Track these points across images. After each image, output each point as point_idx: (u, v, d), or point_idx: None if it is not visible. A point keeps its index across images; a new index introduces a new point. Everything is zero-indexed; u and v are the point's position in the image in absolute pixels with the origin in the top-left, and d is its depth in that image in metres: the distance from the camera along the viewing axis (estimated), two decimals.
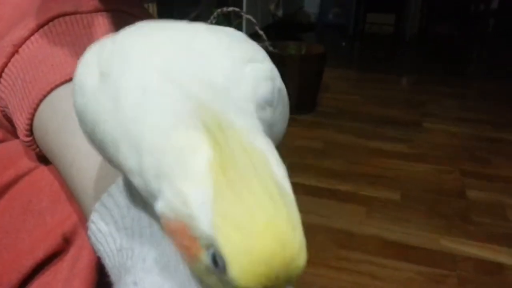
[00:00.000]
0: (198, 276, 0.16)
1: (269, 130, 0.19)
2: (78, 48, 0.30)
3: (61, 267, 0.29)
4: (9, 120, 0.32)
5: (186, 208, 0.14)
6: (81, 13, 0.33)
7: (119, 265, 0.21)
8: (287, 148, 1.70)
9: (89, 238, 0.24)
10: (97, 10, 0.34)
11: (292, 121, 1.59)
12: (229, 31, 0.22)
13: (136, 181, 0.17)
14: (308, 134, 1.83)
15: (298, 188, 1.43)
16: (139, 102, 0.16)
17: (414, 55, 3.52)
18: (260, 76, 0.20)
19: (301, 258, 0.14)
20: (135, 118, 0.16)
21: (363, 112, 2.11)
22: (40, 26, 0.32)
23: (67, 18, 0.32)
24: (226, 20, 2.05)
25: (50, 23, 0.32)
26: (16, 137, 0.34)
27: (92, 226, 0.24)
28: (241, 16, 1.96)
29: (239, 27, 2.28)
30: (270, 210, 0.14)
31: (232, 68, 0.19)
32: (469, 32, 3.94)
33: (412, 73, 2.94)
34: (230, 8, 1.82)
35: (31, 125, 0.29)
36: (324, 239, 1.19)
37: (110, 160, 0.20)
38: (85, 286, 0.27)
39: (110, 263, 0.22)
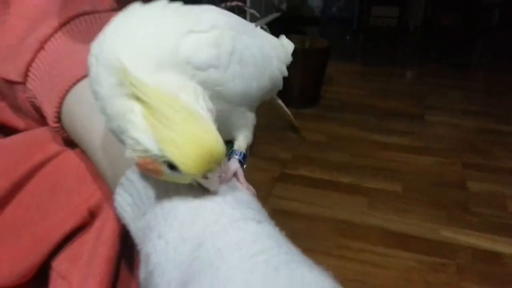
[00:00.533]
0: (167, 180, 0.23)
1: (218, 86, 0.25)
2: None
3: (87, 238, 0.32)
4: (36, 109, 0.36)
5: (141, 147, 0.21)
6: (98, 12, 0.36)
7: (144, 227, 0.24)
8: (290, 141, 1.72)
9: (115, 208, 0.28)
10: (112, 9, 0.37)
11: (296, 114, 1.62)
12: (196, 8, 0.27)
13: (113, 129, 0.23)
14: (312, 127, 1.86)
15: (302, 180, 1.46)
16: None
17: (418, 48, 3.53)
18: (200, 44, 0.25)
19: (219, 148, 0.21)
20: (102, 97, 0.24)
21: (366, 105, 2.14)
22: (62, 25, 0.35)
23: (86, 17, 0.36)
24: None
25: (72, 22, 0.35)
26: (41, 125, 0.37)
27: (118, 198, 0.27)
28: (245, 11, 1.98)
29: None
30: (188, 126, 0.21)
31: (172, 40, 0.24)
32: (474, 24, 3.93)
33: (415, 66, 2.95)
34: (234, 3, 1.84)
35: (59, 112, 0.32)
36: (327, 229, 1.23)
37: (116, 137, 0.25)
38: (109, 253, 0.31)
39: (135, 228, 0.25)
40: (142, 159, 0.22)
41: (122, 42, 0.24)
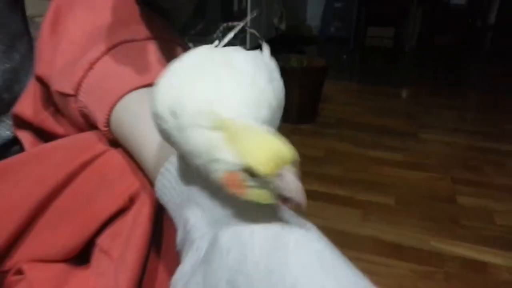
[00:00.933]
0: (251, 198, 0.26)
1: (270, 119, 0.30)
2: (136, 66, 0.41)
3: (127, 219, 0.39)
4: (84, 117, 0.43)
5: (225, 163, 0.26)
6: (137, 40, 0.44)
7: (181, 201, 0.31)
8: None
9: (155, 191, 0.34)
10: (148, 38, 0.45)
11: (294, 130, 1.71)
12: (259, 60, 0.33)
13: (196, 162, 0.28)
14: (309, 143, 1.93)
15: None
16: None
17: (413, 67, 3.63)
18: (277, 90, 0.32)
19: (286, 149, 0.25)
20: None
21: (362, 122, 2.21)
22: (108, 50, 0.42)
23: (127, 44, 0.43)
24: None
25: (116, 48, 0.42)
26: (80, 131, 0.45)
27: (158, 184, 0.34)
28: (245, 30, 2.07)
29: (243, 41, 2.39)
30: (260, 139, 0.25)
31: (260, 86, 0.30)
32: (468, 45, 4.06)
33: (410, 85, 3.05)
34: (235, 23, 1.93)
35: (108, 119, 0.40)
36: None
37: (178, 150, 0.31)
38: (144, 231, 0.37)
39: (173, 205, 0.32)
40: (227, 174, 0.25)
41: (206, 87, 0.28)
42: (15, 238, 0.40)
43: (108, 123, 0.40)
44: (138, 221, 0.38)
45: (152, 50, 0.44)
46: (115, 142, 0.41)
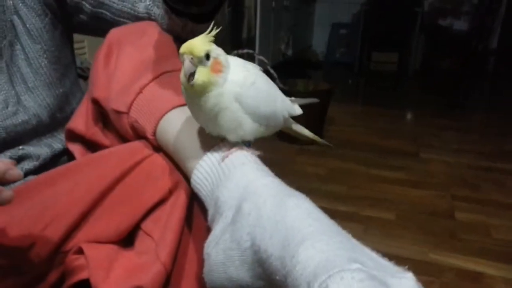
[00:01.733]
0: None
1: (240, 97, 0.43)
2: (176, 90, 0.52)
3: (166, 207, 0.49)
4: (133, 130, 0.54)
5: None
6: (176, 70, 0.54)
7: (211, 188, 0.43)
8: (296, 174, 1.88)
9: (191, 183, 0.46)
10: None
11: (300, 150, 1.81)
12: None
13: None
14: (314, 162, 2.03)
15: None
16: None
17: (416, 91, 3.73)
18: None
19: (191, 47, 0.39)
20: None
21: (366, 143, 2.31)
22: (154, 78, 0.54)
23: (169, 73, 0.55)
24: None
25: (160, 76, 0.54)
26: (122, 142, 0.55)
27: (194, 176, 0.46)
28: (254, 57, 2.19)
29: None
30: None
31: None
32: (470, 69, 4.16)
33: (413, 107, 3.15)
34: (245, 50, 2.05)
35: (155, 130, 0.51)
36: None
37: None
38: (180, 216, 0.47)
39: (205, 192, 0.43)
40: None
41: None
42: (76, 224, 0.50)
43: (155, 133, 0.51)
44: (175, 209, 0.48)
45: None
46: (158, 148, 0.53)
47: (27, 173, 0.60)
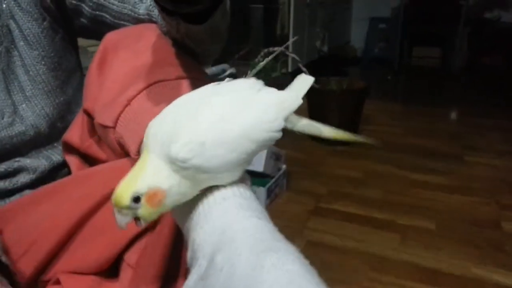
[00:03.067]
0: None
1: (199, 169, 0.35)
2: (167, 103, 0.46)
3: (151, 238, 0.44)
4: (120, 146, 0.49)
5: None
6: (169, 80, 0.49)
7: (190, 224, 0.37)
8: (328, 177, 1.80)
9: (171, 214, 0.40)
10: (179, 78, 0.50)
11: (332, 152, 1.71)
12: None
13: None
14: (347, 164, 1.93)
15: (336, 214, 1.53)
16: None
17: (460, 88, 3.53)
18: (178, 148, 0.36)
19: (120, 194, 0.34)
20: None
21: (404, 144, 2.18)
22: (144, 88, 0.48)
23: (160, 83, 0.49)
24: (273, 58, 2.22)
25: (151, 87, 0.48)
26: (119, 157, 0.50)
27: (174, 212, 0.39)
28: (287, 55, 2.12)
29: (284, 64, 2.45)
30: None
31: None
32: None
33: (457, 106, 2.97)
34: (276, 48, 1.99)
35: (139, 148, 0.45)
36: (358, 262, 1.28)
37: None
38: (165, 249, 0.42)
39: (185, 228, 0.38)
40: None
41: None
42: (55, 253, 0.45)
43: (139, 152, 0.45)
44: (160, 241, 0.42)
45: (182, 88, 0.49)
46: None
47: (23, 187, 0.57)
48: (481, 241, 1.36)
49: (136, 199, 0.34)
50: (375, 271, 1.24)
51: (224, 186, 0.38)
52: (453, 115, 2.83)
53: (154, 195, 0.34)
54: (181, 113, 0.37)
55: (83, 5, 0.62)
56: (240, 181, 0.39)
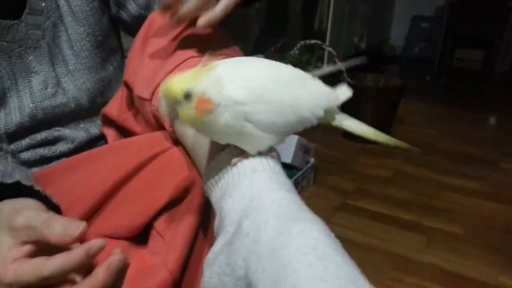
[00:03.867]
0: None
1: (245, 116, 0.37)
2: None
3: (180, 207, 0.46)
4: (155, 119, 0.51)
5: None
6: (201, 56, 0.50)
7: (219, 193, 0.38)
8: (356, 174, 1.79)
9: (202, 185, 0.41)
10: (212, 54, 0.52)
11: (362, 149, 1.70)
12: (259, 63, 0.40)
13: None
14: (377, 163, 1.91)
15: (362, 212, 1.52)
16: None
17: (501, 94, 3.40)
18: (237, 88, 0.37)
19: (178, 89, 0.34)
20: None
21: (438, 147, 2.13)
22: (181, 63, 0.50)
23: (198, 58, 0.51)
24: (308, 52, 2.21)
25: (187, 61, 0.51)
26: (153, 130, 0.53)
27: (205, 178, 0.41)
28: (323, 48, 2.11)
29: (321, 58, 2.42)
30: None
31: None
32: None
33: (498, 112, 2.87)
34: (313, 41, 1.98)
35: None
36: (382, 261, 1.27)
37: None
38: (194, 219, 0.44)
39: (215, 198, 0.39)
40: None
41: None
42: (89, 217, 0.48)
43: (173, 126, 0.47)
44: (189, 211, 0.44)
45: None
46: (178, 141, 0.49)
47: (61, 155, 0.60)
48: (511, 250, 1.32)
49: (188, 97, 0.34)
50: (399, 271, 1.23)
51: (254, 157, 0.39)
52: (492, 121, 2.74)
53: (205, 102, 0.35)
54: (241, 66, 0.38)
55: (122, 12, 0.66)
56: (270, 154, 0.40)
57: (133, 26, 0.68)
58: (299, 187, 1.60)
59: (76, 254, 0.34)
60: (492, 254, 1.30)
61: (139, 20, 0.63)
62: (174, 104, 0.35)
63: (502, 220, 1.49)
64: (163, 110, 0.35)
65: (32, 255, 0.35)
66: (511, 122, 2.59)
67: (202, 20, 0.50)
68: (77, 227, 0.35)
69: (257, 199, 0.34)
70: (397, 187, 1.70)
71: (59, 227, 0.35)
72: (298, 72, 0.41)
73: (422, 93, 3.20)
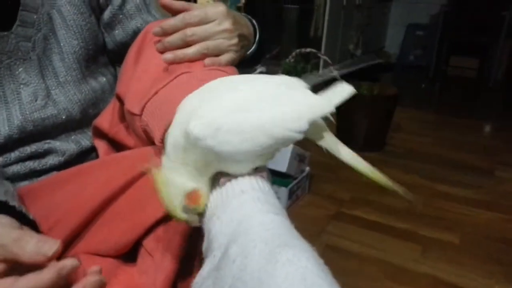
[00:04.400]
0: None
1: (211, 150, 0.36)
2: (190, 92, 0.47)
3: (171, 225, 0.45)
4: (145, 133, 0.50)
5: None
6: (191, 71, 0.50)
7: (210, 215, 0.37)
8: (351, 183, 1.78)
9: None
10: (208, 70, 0.51)
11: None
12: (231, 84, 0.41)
13: None
14: None
15: (357, 221, 1.51)
16: None
17: (496, 102, 3.42)
18: (195, 125, 0.36)
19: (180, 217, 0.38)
20: None
21: (433, 154, 2.13)
22: (172, 80, 0.50)
23: (189, 74, 0.50)
24: (304, 60, 2.21)
25: (178, 77, 0.50)
26: (145, 144, 0.52)
27: None
28: (318, 56, 2.11)
29: (316, 66, 2.43)
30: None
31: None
32: None
33: (492, 120, 2.88)
34: (308, 49, 1.98)
35: (163, 136, 0.45)
36: (377, 271, 1.26)
37: None
38: (183, 238, 0.43)
39: (204, 218, 0.38)
40: None
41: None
42: (77, 233, 0.47)
43: (163, 140, 0.46)
44: (179, 229, 0.43)
45: (210, 79, 0.50)
46: None
47: (51, 168, 0.59)
48: (507, 260, 1.32)
49: (185, 209, 0.37)
50: (393, 281, 1.22)
51: (243, 177, 0.38)
52: (487, 129, 2.74)
53: (192, 198, 0.37)
54: (209, 94, 0.38)
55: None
56: (259, 173, 0.39)
57: (116, 52, 0.68)
58: (294, 196, 1.59)
59: (47, 275, 0.33)
60: (488, 264, 1.30)
61: (124, 47, 0.63)
62: (191, 213, 0.38)
63: (498, 229, 1.48)
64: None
65: (2, 274, 0.34)
66: (506, 130, 2.59)
67: (208, 62, 0.54)
68: (50, 246, 0.34)
69: (246, 222, 0.33)
70: (391, 196, 1.69)
71: (32, 246, 0.34)
72: (272, 85, 0.39)
73: (417, 101, 3.21)
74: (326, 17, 2.79)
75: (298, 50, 1.99)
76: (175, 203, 0.37)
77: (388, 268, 1.27)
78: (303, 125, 0.38)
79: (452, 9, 3.75)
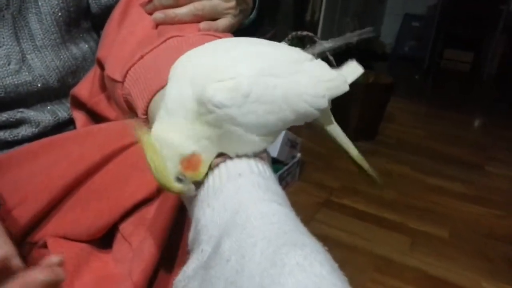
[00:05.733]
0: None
1: (231, 120, 0.30)
2: (178, 57, 0.42)
3: (151, 210, 0.40)
4: (127, 103, 0.45)
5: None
6: (182, 36, 0.45)
7: (199, 201, 0.32)
8: (342, 171, 1.75)
9: None
10: (202, 34, 0.46)
11: None
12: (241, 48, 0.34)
13: None
14: None
15: (346, 210, 1.48)
16: None
17: (489, 97, 3.40)
18: (217, 89, 0.30)
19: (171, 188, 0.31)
20: None
21: (424, 147, 2.11)
22: (160, 44, 0.44)
23: (180, 38, 0.45)
24: (300, 43, 2.16)
25: (168, 40, 0.44)
26: (127, 116, 0.46)
27: None
28: (315, 41, 2.05)
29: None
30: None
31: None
32: None
33: (484, 114, 2.87)
34: (304, 33, 1.92)
35: (147, 107, 0.40)
36: (364, 262, 1.24)
37: None
38: (165, 224, 0.38)
39: (191, 205, 0.33)
40: None
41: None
42: (46, 212, 0.42)
43: (147, 112, 0.41)
44: (161, 214, 0.38)
45: (195, 42, 0.45)
46: None
47: (24, 140, 0.53)
48: (495, 255, 1.30)
49: (179, 179, 0.30)
50: (380, 273, 1.20)
51: (239, 158, 0.32)
52: (479, 123, 2.73)
53: (190, 163, 0.30)
54: (225, 53, 0.32)
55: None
56: (259, 156, 0.34)
57: (100, 16, 0.61)
58: (284, 182, 1.56)
59: None
60: (475, 259, 1.28)
61: (109, 11, 0.57)
62: (185, 182, 0.31)
63: (486, 225, 1.47)
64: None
65: None
66: (497, 126, 2.58)
67: (204, 25, 0.48)
68: None
69: (243, 213, 0.28)
70: (383, 187, 1.67)
71: None
72: (293, 53, 0.35)
73: (410, 92, 3.19)
74: (324, 2, 2.73)
75: (294, 33, 1.93)
76: (169, 169, 0.30)
77: (375, 259, 1.25)
78: (323, 102, 0.34)
79: (449, 1, 3.70)
